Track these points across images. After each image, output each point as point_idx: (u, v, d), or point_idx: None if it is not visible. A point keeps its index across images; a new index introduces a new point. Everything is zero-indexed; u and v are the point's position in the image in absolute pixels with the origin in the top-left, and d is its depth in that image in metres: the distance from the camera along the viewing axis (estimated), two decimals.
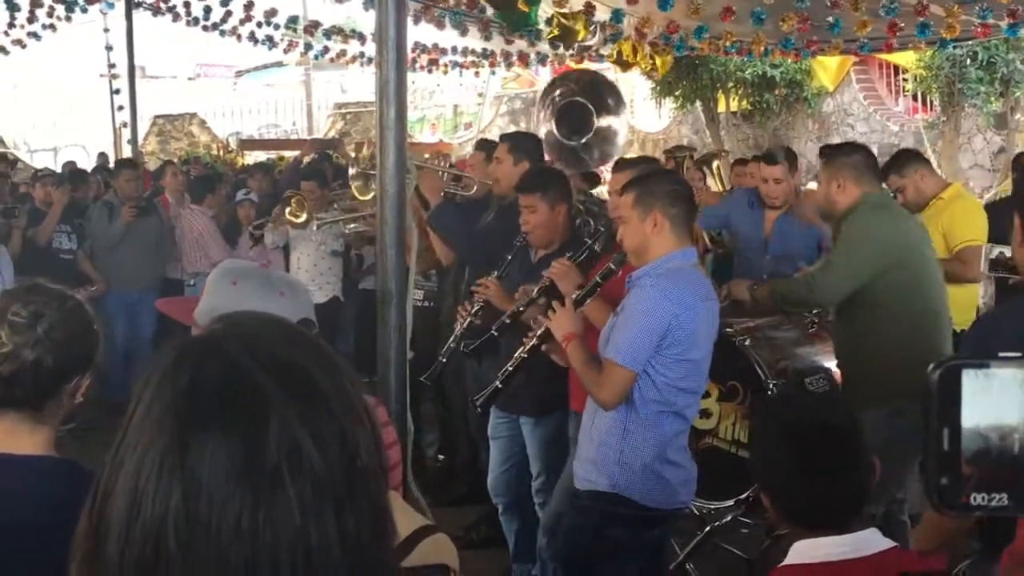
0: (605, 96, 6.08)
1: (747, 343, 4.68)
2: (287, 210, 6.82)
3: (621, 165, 4.60)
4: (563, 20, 6.77)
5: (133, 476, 0.91)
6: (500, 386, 3.80)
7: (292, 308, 2.08)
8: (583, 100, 5.94)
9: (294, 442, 0.92)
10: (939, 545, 2.50)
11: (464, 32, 10.03)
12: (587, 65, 11.27)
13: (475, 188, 5.32)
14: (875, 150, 7.59)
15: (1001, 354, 0.92)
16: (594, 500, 3.35)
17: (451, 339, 4.45)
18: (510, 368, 3.75)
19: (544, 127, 6.06)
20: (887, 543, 2.00)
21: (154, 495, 0.90)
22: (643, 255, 3.31)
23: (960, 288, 5.00)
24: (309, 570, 0.90)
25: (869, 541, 1.98)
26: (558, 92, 6.07)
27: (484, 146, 5.85)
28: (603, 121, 6.00)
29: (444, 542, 1.70)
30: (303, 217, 6.74)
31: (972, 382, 0.91)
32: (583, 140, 5.91)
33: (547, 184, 4.30)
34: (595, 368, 3.27)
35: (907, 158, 5.56)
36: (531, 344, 3.64)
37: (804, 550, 2.00)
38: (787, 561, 2.02)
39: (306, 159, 9.98)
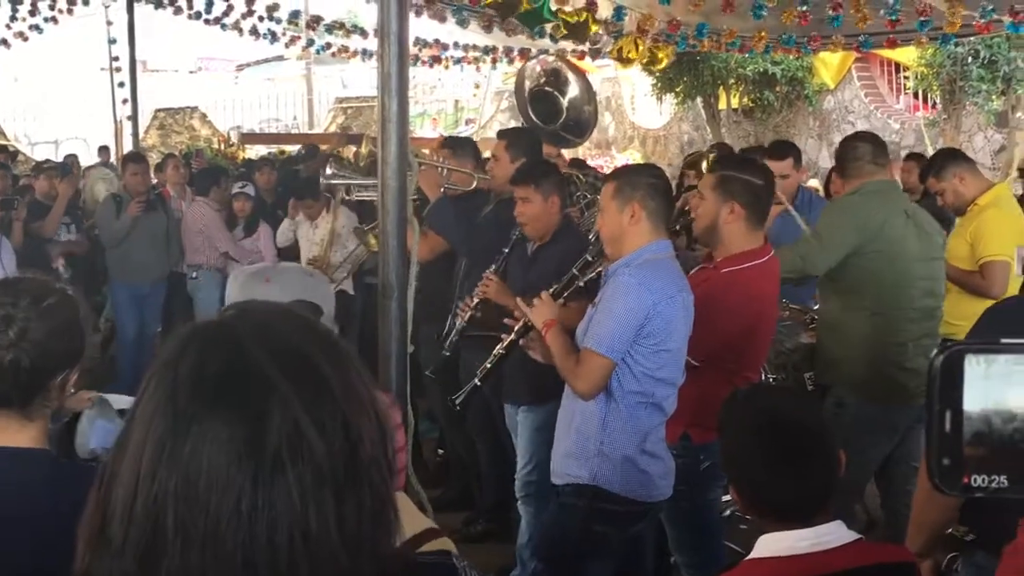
0: (561, 76, 6.20)
1: None
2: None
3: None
4: (567, 19, 6.79)
5: (136, 458, 0.93)
6: (479, 384, 3.81)
7: (278, 293, 2.08)
8: (547, 89, 6.11)
9: (296, 427, 0.92)
10: (927, 542, 2.46)
11: (465, 25, 10.03)
12: (588, 62, 11.28)
13: (474, 184, 5.33)
14: None
15: (1004, 340, 0.94)
16: (576, 495, 3.33)
17: (452, 332, 4.45)
18: (488, 366, 3.76)
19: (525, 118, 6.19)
20: (851, 535, 2.00)
21: (153, 477, 0.91)
22: (618, 245, 3.34)
23: (982, 303, 4.48)
24: (307, 555, 0.91)
25: (833, 534, 1.98)
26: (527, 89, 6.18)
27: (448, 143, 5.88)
28: (567, 100, 6.11)
29: (447, 546, 1.71)
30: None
31: (974, 367, 0.93)
32: (558, 123, 6.04)
33: (541, 176, 4.35)
34: (574, 357, 3.28)
35: (945, 160, 5.17)
36: (509, 340, 3.65)
37: (768, 544, 2.00)
38: (752, 555, 2.02)
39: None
